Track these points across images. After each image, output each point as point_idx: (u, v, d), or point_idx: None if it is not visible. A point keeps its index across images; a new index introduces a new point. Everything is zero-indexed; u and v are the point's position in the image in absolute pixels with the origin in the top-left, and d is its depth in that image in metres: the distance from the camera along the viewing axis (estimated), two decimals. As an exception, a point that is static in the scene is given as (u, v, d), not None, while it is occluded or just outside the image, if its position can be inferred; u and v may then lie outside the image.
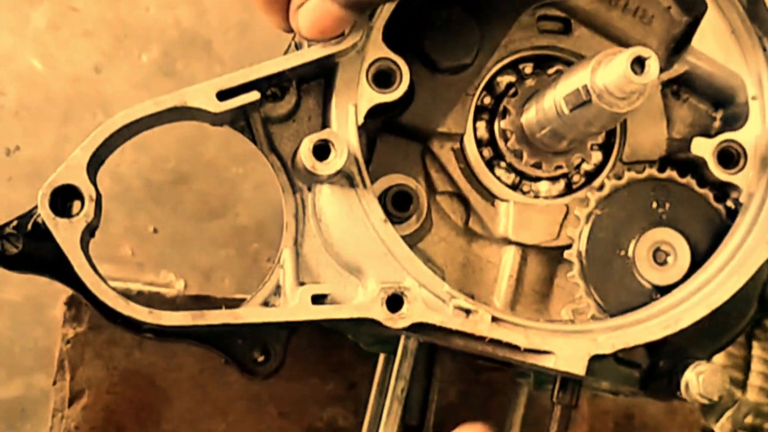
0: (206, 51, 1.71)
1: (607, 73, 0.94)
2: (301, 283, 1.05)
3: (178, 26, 1.70)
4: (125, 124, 0.97)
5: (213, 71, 1.71)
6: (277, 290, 1.06)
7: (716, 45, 1.13)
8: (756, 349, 1.74)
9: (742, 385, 1.73)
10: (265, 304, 1.05)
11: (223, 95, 1.00)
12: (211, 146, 1.70)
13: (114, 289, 0.98)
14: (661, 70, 1.12)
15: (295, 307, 1.01)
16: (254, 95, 1.00)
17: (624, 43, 1.16)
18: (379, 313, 1.01)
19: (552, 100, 1.04)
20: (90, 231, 0.97)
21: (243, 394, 1.31)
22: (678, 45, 1.16)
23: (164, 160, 1.69)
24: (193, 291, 1.65)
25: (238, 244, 1.71)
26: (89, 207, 0.95)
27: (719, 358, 1.71)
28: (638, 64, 0.91)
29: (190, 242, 1.69)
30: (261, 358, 1.06)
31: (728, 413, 1.04)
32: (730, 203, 1.12)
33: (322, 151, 1.01)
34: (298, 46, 1.07)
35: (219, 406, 1.31)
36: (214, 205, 1.71)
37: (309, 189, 1.07)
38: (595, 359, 1.03)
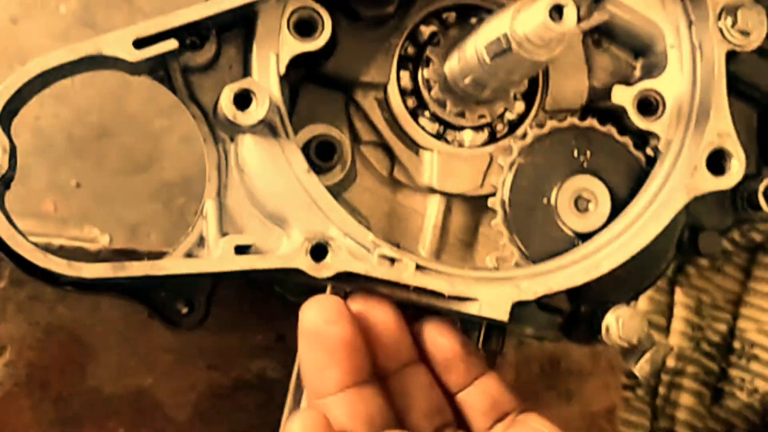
0: (127, 2, 1.68)
1: (526, 21, 0.94)
2: (225, 234, 1.04)
3: (98, -24, 1.66)
4: (39, 72, 0.95)
5: (134, 23, 1.68)
6: (201, 242, 1.05)
7: (635, -8, 1.14)
8: (678, 295, 1.78)
9: (666, 331, 1.77)
10: (189, 255, 1.04)
11: (139, 44, 0.98)
12: (135, 99, 1.67)
13: (32, 242, 0.97)
14: (581, 19, 1.12)
15: (218, 257, 1.01)
16: (172, 44, 0.99)
17: (545, -7, 1.17)
18: (304, 262, 1.01)
19: (473, 49, 1.04)
20: (5, 183, 0.96)
21: (170, 347, 1.31)
22: (598, -7, 1.17)
23: (86, 114, 1.65)
24: (118, 246, 1.63)
25: (165, 199, 1.69)
26: (2, 158, 0.94)
27: (643, 305, 1.75)
28: (557, 11, 0.92)
29: (114, 197, 1.67)
30: (185, 310, 1.06)
31: (647, 355, 1.07)
32: (649, 151, 1.14)
33: (243, 100, 1.01)
34: (218, -3, 1.06)
35: (146, 360, 1.30)
36: (138, 159, 1.69)
37: (231, 139, 1.06)
38: (519, 305, 1.05)
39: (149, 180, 1.69)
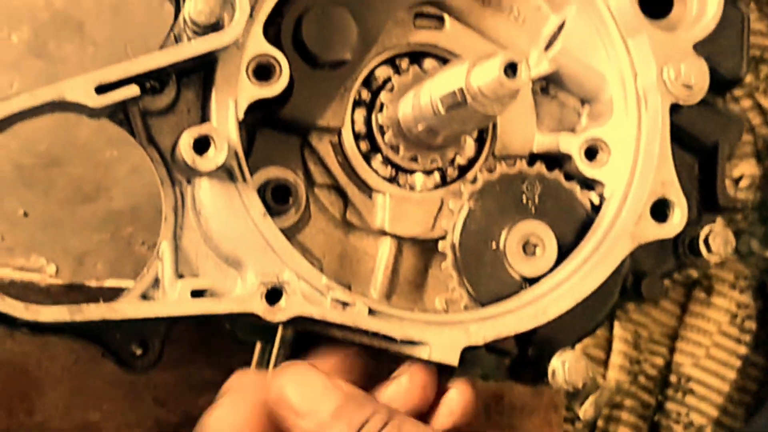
0: (79, 32, 1.68)
1: (481, 76, 0.97)
2: (180, 276, 1.05)
3: (49, 7, 1.67)
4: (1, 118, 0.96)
5: (86, 52, 1.68)
6: (156, 283, 1.06)
7: (582, 44, 1.18)
8: (617, 329, 1.82)
9: (604, 364, 1.80)
10: (144, 297, 1.05)
11: (101, 89, 0.99)
12: (85, 129, 1.67)
13: (-11, 285, 0.97)
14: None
15: (174, 301, 1.02)
16: (134, 90, 1.00)
17: (496, 41, 1.20)
18: (259, 306, 1.03)
19: (428, 98, 1.07)
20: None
21: (118, 382, 1.31)
22: (547, 43, 1.20)
23: (36, 143, 1.65)
24: (65, 275, 1.62)
25: (113, 229, 1.69)
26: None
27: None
28: (511, 68, 0.95)
29: (62, 226, 1.67)
30: (139, 352, 1.06)
31: (591, 398, 1.10)
32: (595, 197, 1.17)
33: (202, 145, 1.02)
34: (177, 38, 1.07)
35: (94, 395, 1.30)
36: (87, 189, 1.69)
37: (188, 182, 1.07)
38: (468, 350, 1.07)
39: (97, 209, 1.69)
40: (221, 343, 1.37)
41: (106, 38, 1.70)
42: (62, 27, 1.67)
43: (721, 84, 1.18)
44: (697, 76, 1.14)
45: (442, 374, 1.10)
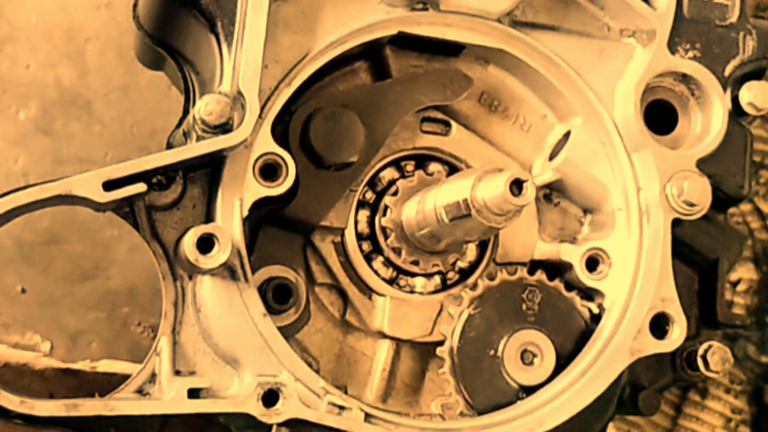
0: (86, 111, 1.70)
1: (486, 190, 0.98)
2: (177, 372, 1.05)
3: (58, 85, 1.68)
4: (10, 209, 0.96)
5: (92, 131, 1.70)
6: (153, 378, 1.06)
7: (587, 155, 1.19)
8: (611, 429, 1.80)
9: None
10: (140, 391, 1.05)
11: (109, 186, 1.00)
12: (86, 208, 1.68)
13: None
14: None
15: (170, 400, 1.01)
16: (141, 187, 1.01)
17: (501, 148, 1.21)
18: (255, 408, 1.02)
19: (433, 206, 1.08)
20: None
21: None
22: (552, 152, 1.21)
23: (37, 220, 1.65)
24: (60, 353, 1.62)
25: (109, 308, 1.69)
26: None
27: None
28: (516, 185, 0.96)
29: (59, 304, 1.66)
30: (133, 447, 1.05)
31: None
32: (594, 307, 1.17)
33: (206, 244, 1.02)
34: (186, 134, 1.08)
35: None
36: (86, 267, 1.69)
37: (190, 278, 1.07)
38: (462, 459, 1.07)
39: (95, 288, 1.69)
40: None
41: (113, 118, 1.72)
42: (70, 105, 1.69)
43: (723, 201, 1.19)
44: (699, 194, 1.15)
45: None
